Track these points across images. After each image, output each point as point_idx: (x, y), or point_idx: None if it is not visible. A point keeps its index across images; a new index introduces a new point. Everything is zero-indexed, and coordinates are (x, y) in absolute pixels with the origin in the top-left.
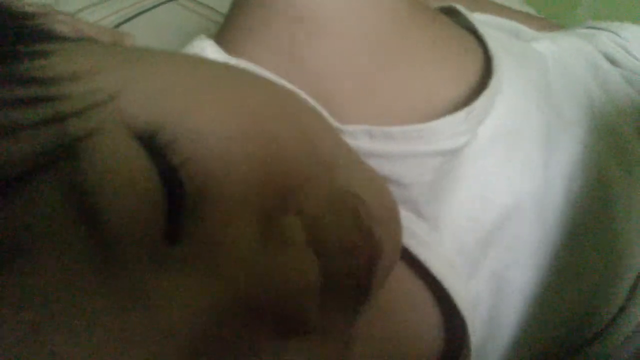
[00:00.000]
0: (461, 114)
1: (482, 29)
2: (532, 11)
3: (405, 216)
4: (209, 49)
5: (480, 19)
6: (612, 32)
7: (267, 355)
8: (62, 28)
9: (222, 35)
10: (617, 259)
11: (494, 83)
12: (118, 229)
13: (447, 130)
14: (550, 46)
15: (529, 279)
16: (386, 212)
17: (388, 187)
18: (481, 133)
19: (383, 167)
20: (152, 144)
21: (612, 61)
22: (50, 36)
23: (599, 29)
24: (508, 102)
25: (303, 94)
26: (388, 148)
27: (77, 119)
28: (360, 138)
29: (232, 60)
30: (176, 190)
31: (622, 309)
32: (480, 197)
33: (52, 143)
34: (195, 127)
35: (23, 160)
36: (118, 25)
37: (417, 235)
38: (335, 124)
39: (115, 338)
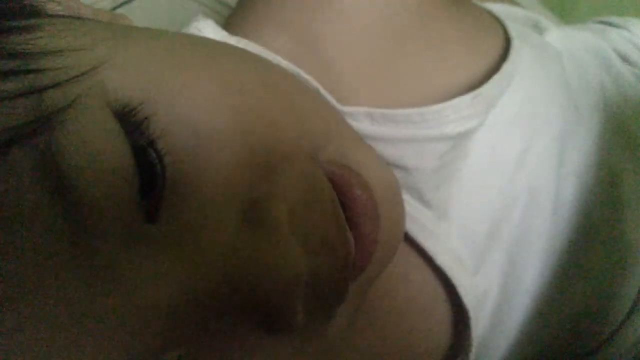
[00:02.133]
0: (466, 98)
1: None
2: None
3: (410, 203)
4: (207, 29)
5: (495, 10)
6: (624, 28)
7: (248, 346)
8: (55, 8)
9: (232, 19)
10: (626, 258)
11: (506, 68)
12: (90, 204)
13: (451, 114)
14: (564, 40)
15: (537, 276)
16: (388, 194)
17: (391, 170)
18: (496, 119)
19: (385, 151)
20: (130, 119)
21: (624, 59)
22: (38, 13)
23: (609, 24)
24: (526, 89)
25: (306, 76)
26: (389, 131)
27: (55, 92)
28: (362, 120)
29: (232, 39)
30: (155, 167)
31: (631, 311)
32: (493, 187)
33: (28, 116)
34: (176, 103)
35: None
36: (113, 9)
37: (422, 224)
38: (336, 105)
39: (88, 316)
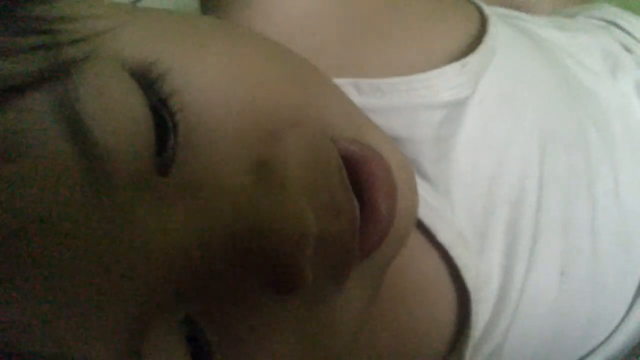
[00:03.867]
0: (455, 66)
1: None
2: None
3: None
4: None
5: None
6: (622, 29)
7: (255, 309)
8: None
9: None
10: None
11: (488, 39)
12: (106, 150)
13: (441, 83)
14: (555, 30)
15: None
16: (406, 175)
17: (398, 148)
18: (484, 93)
19: (376, 122)
20: (145, 77)
21: (627, 49)
22: None
23: (609, 22)
24: (509, 64)
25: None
26: (377, 102)
27: (73, 47)
28: (348, 92)
29: None
30: (168, 121)
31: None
32: (486, 162)
33: (46, 63)
34: (188, 63)
35: (16, 75)
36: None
37: (422, 199)
38: None
39: (100, 258)
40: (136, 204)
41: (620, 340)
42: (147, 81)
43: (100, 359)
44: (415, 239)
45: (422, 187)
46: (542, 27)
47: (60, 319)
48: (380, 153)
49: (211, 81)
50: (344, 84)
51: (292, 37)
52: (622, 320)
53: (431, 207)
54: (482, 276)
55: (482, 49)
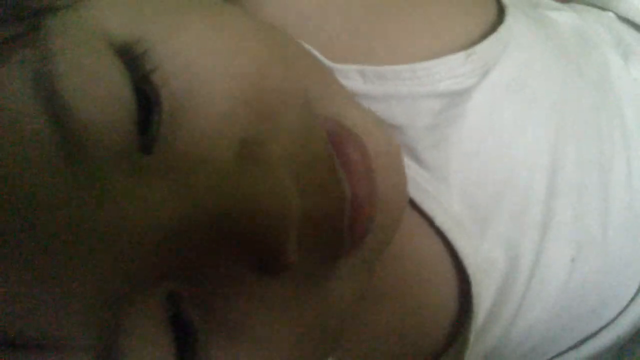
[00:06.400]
0: (459, 55)
1: None
2: None
3: (405, 163)
4: None
5: None
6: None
7: (241, 289)
8: None
9: None
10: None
11: (502, 29)
12: (83, 124)
13: (443, 72)
14: (571, 15)
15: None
16: (386, 157)
17: (392, 135)
18: (494, 82)
19: (377, 109)
20: (129, 54)
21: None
22: None
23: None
24: (524, 53)
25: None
26: (381, 89)
27: (49, 16)
28: (354, 79)
29: None
30: (152, 97)
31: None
32: (492, 152)
33: (20, 29)
34: (172, 42)
35: None
36: None
37: (418, 184)
38: (327, 62)
39: (77, 232)
40: (116, 179)
41: (629, 320)
42: (131, 57)
43: (75, 336)
44: (416, 224)
45: (419, 173)
46: (559, 12)
47: (34, 296)
48: (358, 135)
49: (195, 58)
50: (350, 70)
51: (302, 24)
52: (632, 300)
53: (428, 193)
54: (485, 261)
55: (493, 39)
